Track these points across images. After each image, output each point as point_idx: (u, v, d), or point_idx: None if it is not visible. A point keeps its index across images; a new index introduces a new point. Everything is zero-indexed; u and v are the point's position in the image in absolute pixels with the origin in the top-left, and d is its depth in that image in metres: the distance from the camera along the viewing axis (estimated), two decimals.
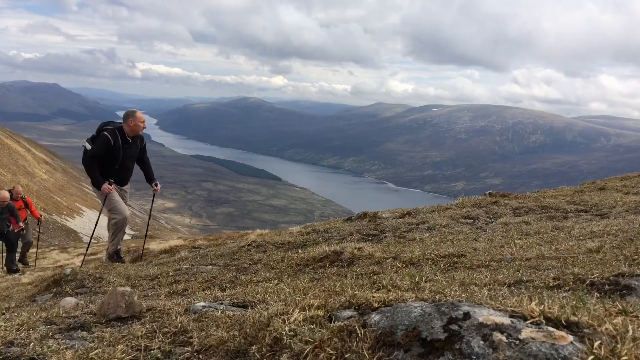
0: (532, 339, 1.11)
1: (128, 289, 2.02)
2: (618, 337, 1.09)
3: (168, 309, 1.98)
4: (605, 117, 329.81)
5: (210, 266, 4.00)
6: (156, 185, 6.91)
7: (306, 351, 1.28)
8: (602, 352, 1.05)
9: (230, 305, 2.04)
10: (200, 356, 1.47)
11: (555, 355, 1.06)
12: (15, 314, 2.36)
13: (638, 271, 1.87)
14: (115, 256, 6.78)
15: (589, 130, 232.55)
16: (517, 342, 1.11)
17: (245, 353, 1.42)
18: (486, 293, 1.70)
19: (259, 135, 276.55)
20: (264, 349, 1.38)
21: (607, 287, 1.79)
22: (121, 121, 6.57)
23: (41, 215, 12.80)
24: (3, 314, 2.65)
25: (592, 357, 1.04)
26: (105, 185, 6.23)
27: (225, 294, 2.48)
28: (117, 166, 6.47)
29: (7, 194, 11.06)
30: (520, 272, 2.23)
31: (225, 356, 1.44)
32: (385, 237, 4.34)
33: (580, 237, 3.06)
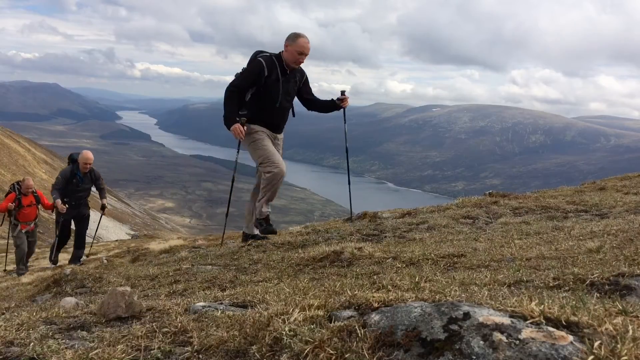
0: (532, 339, 1.11)
1: (128, 288, 2.02)
2: (618, 337, 1.09)
3: (168, 309, 1.98)
4: (604, 117, 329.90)
5: (210, 266, 4.00)
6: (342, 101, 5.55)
7: (306, 351, 1.28)
8: (602, 352, 1.05)
9: (230, 305, 2.04)
10: (200, 356, 1.47)
11: (555, 355, 1.06)
12: (15, 313, 2.36)
13: (638, 271, 1.87)
14: (264, 223, 5.26)
15: (588, 131, 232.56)
16: (517, 342, 1.11)
17: (245, 353, 1.42)
18: (486, 293, 1.70)
19: None
20: (264, 349, 1.38)
21: (607, 287, 1.79)
22: (268, 53, 5.13)
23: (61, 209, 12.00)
24: (3, 314, 2.65)
25: (592, 357, 1.04)
26: (237, 126, 4.89)
27: (225, 293, 2.48)
28: (274, 106, 5.07)
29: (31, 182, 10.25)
30: (520, 272, 2.23)
31: (225, 356, 1.44)
32: (385, 237, 4.34)
33: (580, 237, 3.06)
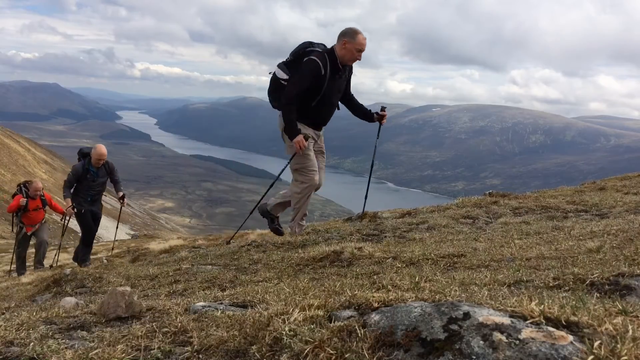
0: (532, 339, 1.11)
1: (128, 288, 2.02)
2: (618, 337, 1.09)
3: (168, 309, 1.98)
4: (604, 117, 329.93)
5: (210, 266, 4.00)
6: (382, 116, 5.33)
7: (306, 351, 1.28)
8: (602, 352, 1.05)
9: (230, 305, 2.04)
10: (200, 356, 1.47)
11: (555, 355, 1.06)
12: (15, 313, 2.36)
13: (638, 271, 1.87)
14: (275, 221, 5.22)
15: (588, 131, 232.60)
16: (517, 342, 1.11)
17: (245, 353, 1.42)
18: (486, 293, 1.70)
19: (259, 135, 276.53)
20: (264, 349, 1.38)
21: (607, 287, 1.79)
22: (318, 48, 4.76)
23: (67, 209, 11.35)
24: (3, 313, 2.65)
25: (592, 357, 1.04)
26: (300, 139, 4.60)
27: (225, 293, 2.48)
28: (324, 105, 4.82)
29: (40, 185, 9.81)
30: (520, 272, 2.23)
31: (225, 356, 1.44)
32: (385, 237, 4.34)
33: (580, 237, 3.06)
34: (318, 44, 4.83)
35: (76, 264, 8.33)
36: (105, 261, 8.74)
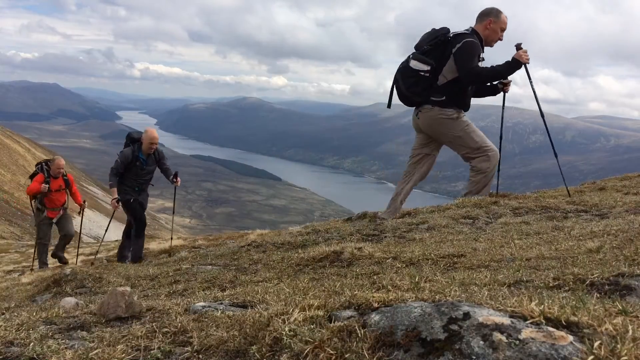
0: (532, 339, 1.11)
1: (128, 288, 2.02)
2: (618, 337, 1.09)
3: (168, 309, 1.98)
4: (604, 117, 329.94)
5: (210, 266, 4.00)
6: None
7: (306, 351, 1.28)
8: (602, 352, 1.05)
9: (230, 305, 2.04)
10: (200, 356, 1.47)
11: (555, 355, 1.06)
12: (15, 314, 2.36)
13: (638, 271, 1.87)
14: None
15: (588, 131, 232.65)
16: (517, 342, 1.11)
17: (245, 353, 1.42)
18: (486, 293, 1.70)
19: (259, 135, 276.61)
20: (264, 349, 1.38)
21: (607, 287, 1.79)
22: (464, 31, 4.70)
23: (84, 201, 9.54)
24: (3, 314, 2.65)
25: (592, 357, 1.04)
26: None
27: (225, 294, 2.48)
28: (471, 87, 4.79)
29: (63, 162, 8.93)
30: (520, 272, 2.23)
31: (225, 356, 1.44)
32: (385, 237, 4.34)
33: (580, 237, 3.06)
34: (449, 30, 4.65)
35: (120, 263, 7.19)
36: (105, 261, 8.74)
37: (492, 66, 4.64)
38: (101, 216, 37.75)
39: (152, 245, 10.20)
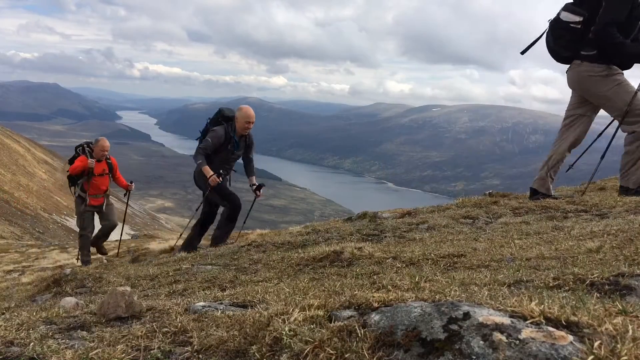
0: (532, 339, 1.11)
1: (128, 288, 2.02)
2: (618, 337, 1.09)
3: (168, 309, 1.98)
4: (604, 117, 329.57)
5: (210, 266, 4.00)
6: None
7: (306, 351, 1.29)
8: (602, 352, 1.05)
9: (230, 305, 2.04)
10: (200, 356, 1.47)
11: (555, 355, 1.06)
12: (15, 313, 2.36)
13: (638, 271, 1.87)
14: None
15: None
16: (517, 342, 1.11)
17: (245, 353, 1.42)
18: (486, 293, 1.70)
19: (259, 135, 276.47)
20: (264, 349, 1.38)
21: (607, 287, 1.79)
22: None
23: (131, 182, 8.52)
24: (3, 313, 2.65)
25: (592, 357, 1.04)
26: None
27: (225, 293, 2.48)
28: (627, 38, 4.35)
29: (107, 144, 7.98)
30: (520, 272, 2.23)
31: (225, 356, 1.44)
32: (385, 237, 4.34)
33: (580, 237, 3.06)
34: None
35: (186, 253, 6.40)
36: (105, 261, 8.74)
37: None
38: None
39: (152, 245, 10.20)
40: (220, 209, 6.78)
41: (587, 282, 1.85)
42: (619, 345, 1.06)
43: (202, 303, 2.05)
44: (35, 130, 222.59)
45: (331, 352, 1.26)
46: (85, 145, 7.90)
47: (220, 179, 6.26)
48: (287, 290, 2.25)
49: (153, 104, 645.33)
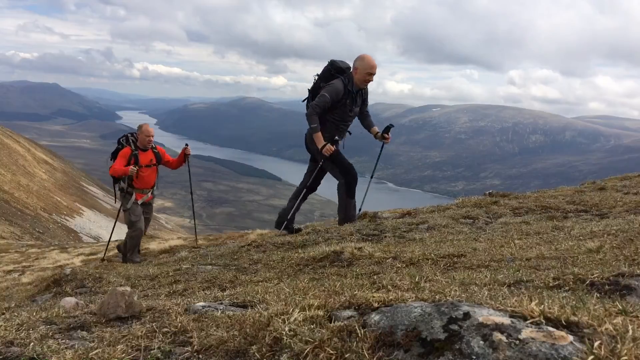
0: (532, 339, 1.11)
1: (128, 288, 2.02)
2: (618, 337, 1.09)
3: (168, 309, 1.98)
4: (604, 117, 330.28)
5: (210, 266, 4.00)
6: None
7: (306, 351, 1.29)
8: (602, 352, 1.05)
9: (230, 305, 2.04)
10: (200, 356, 1.47)
11: (555, 355, 1.06)
12: (15, 313, 2.36)
13: (638, 271, 1.87)
14: None
15: (588, 130, 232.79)
16: (517, 342, 1.11)
17: (245, 353, 1.42)
18: (486, 293, 1.70)
19: (259, 135, 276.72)
20: (264, 349, 1.38)
21: (607, 287, 1.79)
22: None
23: (186, 145, 7.48)
24: (3, 314, 2.65)
25: (592, 357, 1.04)
26: None
27: (225, 293, 2.48)
28: None
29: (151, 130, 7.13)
30: (520, 272, 2.23)
31: (225, 356, 1.44)
32: (385, 237, 4.34)
33: (580, 237, 3.06)
34: None
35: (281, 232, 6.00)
36: (105, 261, 8.74)
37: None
38: (101, 216, 37.75)
39: (152, 245, 10.19)
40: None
41: (587, 282, 1.85)
42: (619, 345, 1.06)
43: (202, 303, 2.05)
44: (35, 130, 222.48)
45: (331, 352, 1.25)
46: (129, 135, 7.08)
47: (334, 147, 5.67)
48: (287, 290, 2.25)
49: (153, 104, 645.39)
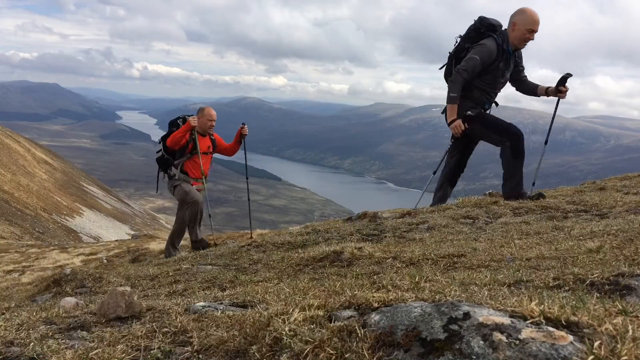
0: (532, 339, 1.11)
1: (128, 288, 2.02)
2: (618, 337, 1.09)
3: (168, 309, 1.98)
4: (604, 117, 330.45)
5: (210, 266, 4.00)
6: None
7: (306, 351, 1.29)
8: (602, 352, 1.05)
9: (230, 305, 2.04)
10: (200, 356, 1.47)
11: (555, 355, 1.06)
12: (15, 313, 2.36)
13: (638, 271, 1.87)
14: None
15: (588, 130, 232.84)
16: (517, 342, 1.11)
17: (245, 353, 1.42)
18: (486, 293, 1.70)
19: (259, 135, 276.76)
20: (264, 349, 1.38)
21: (607, 287, 1.79)
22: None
23: (243, 124, 7.16)
24: (3, 314, 2.65)
25: (592, 357, 1.04)
26: None
27: (225, 293, 2.48)
28: None
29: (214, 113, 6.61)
30: (520, 272, 2.23)
31: (225, 356, 1.44)
32: (385, 237, 4.34)
33: (580, 237, 3.06)
34: None
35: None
36: (105, 261, 8.74)
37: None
38: (101, 216, 37.77)
39: (152, 245, 10.19)
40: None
41: (587, 282, 1.85)
42: (619, 345, 1.06)
43: (202, 303, 2.05)
44: (35, 130, 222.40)
45: (331, 352, 1.25)
46: (187, 116, 6.42)
47: (465, 127, 5.01)
48: (287, 290, 2.25)
49: (153, 104, 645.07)
